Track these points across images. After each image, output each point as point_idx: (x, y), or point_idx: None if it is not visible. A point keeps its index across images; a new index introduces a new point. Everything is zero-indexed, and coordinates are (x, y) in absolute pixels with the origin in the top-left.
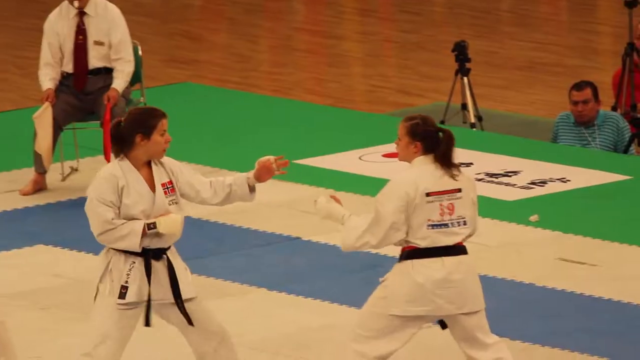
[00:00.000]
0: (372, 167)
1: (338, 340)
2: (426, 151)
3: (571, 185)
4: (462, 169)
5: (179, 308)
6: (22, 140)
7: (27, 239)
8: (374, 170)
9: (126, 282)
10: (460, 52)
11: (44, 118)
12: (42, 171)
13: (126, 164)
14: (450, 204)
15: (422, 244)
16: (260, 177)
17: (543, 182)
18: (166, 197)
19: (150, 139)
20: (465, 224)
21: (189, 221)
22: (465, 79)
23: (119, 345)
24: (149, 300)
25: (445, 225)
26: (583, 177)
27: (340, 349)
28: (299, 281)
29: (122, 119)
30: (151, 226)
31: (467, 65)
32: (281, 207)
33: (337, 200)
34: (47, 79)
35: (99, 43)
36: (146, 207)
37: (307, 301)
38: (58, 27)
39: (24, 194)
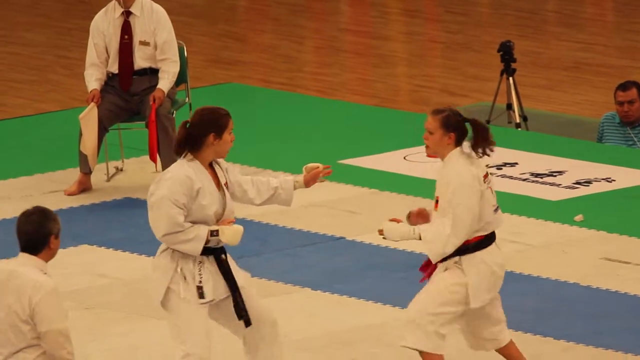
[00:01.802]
0: (417, 167)
1: (381, 340)
2: (458, 141)
3: (616, 185)
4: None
5: (237, 302)
6: (68, 140)
7: (71, 239)
8: (418, 170)
9: (200, 282)
10: (506, 52)
11: (89, 118)
12: (87, 171)
13: (197, 164)
14: (490, 187)
15: (490, 229)
16: (308, 183)
17: (588, 182)
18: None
19: (222, 138)
20: (497, 209)
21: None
22: (511, 79)
23: (208, 341)
24: (235, 297)
25: (497, 207)
26: (628, 177)
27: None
28: (343, 281)
29: (189, 119)
30: (214, 233)
31: (513, 65)
32: (325, 207)
33: (399, 221)
34: (93, 80)
35: (144, 43)
36: (218, 207)
37: (350, 300)
38: (104, 27)
39: (69, 194)
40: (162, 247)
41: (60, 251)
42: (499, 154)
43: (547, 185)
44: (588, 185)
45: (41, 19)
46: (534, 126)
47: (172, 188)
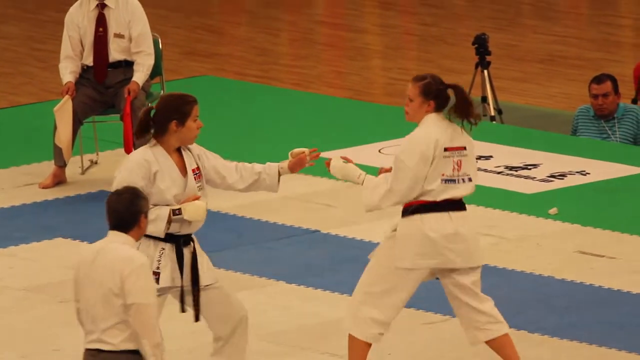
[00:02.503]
0: (392, 160)
1: None
2: (438, 108)
3: (590, 178)
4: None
5: (193, 296)
6: (42, 133)
7: (46, 232)
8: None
9: (157, 267)
10: (481, 45)
11: (64, 111)
12: (62, 164)
13: (159, 149)
14: (459, 160)
15: (434, 197)
16: (293, 168)
17: (562, 175)
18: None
19: (184, 125)
20: (470, 180)
21: (207, 214)
22: (486, 72)
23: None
24: (182, 286)
25: (454, 180)
26: (602, 170)
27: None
28: (318, 274)
29: (153, 105)
30: (177, 212)
31: (488, 58)
32: (300, 200)
33: (350, 161)
34: (68, 72)
35: (119, 36)
36: (178, 192)
37: (325, 294)
38: (79, 19)
39: (44, 187)
40: None
41: (34, 244)
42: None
43: (522, 179)
44: (562, 179)
45: (15, 11)
46: (509, 119)
47: (129, 172)
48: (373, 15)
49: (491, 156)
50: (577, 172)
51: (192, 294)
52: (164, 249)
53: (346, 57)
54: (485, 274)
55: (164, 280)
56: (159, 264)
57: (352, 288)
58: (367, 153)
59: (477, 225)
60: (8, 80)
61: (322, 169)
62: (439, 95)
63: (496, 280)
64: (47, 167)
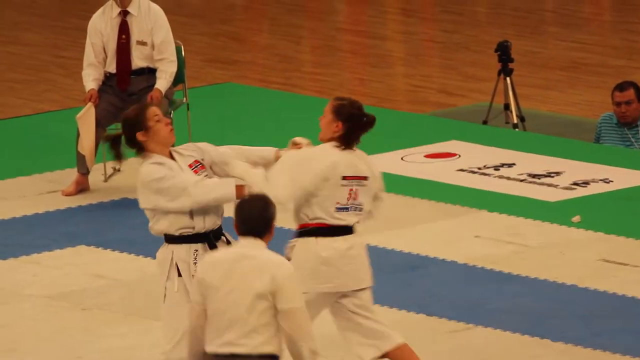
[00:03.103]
0: (414, 167)
1: None
2: (344, 133)
3: (614, 186)
4: (368, 157)
5: None
6: (65, 140)
7: (69, 239)
8: (415, 171)
9: (195, 271)
10: (503, 52)
11: (86, 118)
12: (84, 172)
13: (159, 157)
14: (357, 190)
15: (329, 222)
16: None
17: (586, 183)
18: (198, 175)
19: (149, 129)
20: (361, 210)
21: (227, 221)
22: (508, 79)
23: None
24: None
25: (347, 209)
26: (626, 178)
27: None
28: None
29: (117, 132)
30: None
31: (510, 65)
32: None
33: (299, 146)
34: (90, 80)
35: (141, 43)
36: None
37: None
38: (101, 27)
39: (67, 195)
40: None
41: (58, 252)
42: (497, 154)
43: (545, 186)
44: (586, 186)
45: (38, 18)
46: (532, 126)
47: (156, 172)
48: (395, 23)
49: (514, 164)
50: (601, 180)
51: None
52: (196, 250)
53: (368, 64)
54: (508, 282)
55: None
56: (196, 267)
57: (375, 296)
58: (390, 160)
59: (500, 233)
60: (31, 88)
61: None
62: (349, 120)
63: (519, 289)
64: (70, 175)
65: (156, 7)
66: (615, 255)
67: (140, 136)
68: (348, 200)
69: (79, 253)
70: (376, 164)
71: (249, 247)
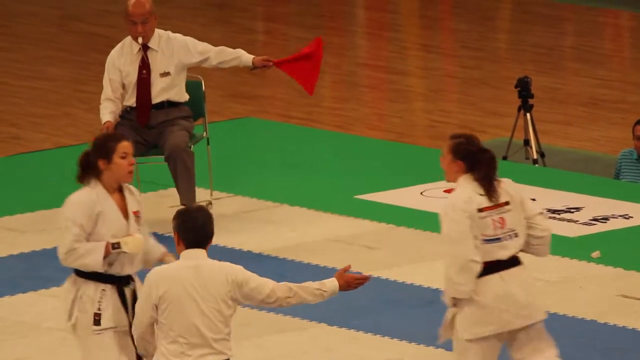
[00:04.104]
0: (434, 202)
1: None
2: (469, 170)
3: (633, 222)
4: (503, 179)
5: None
6: None
7: None
8: (435, 206)
9: (99, 309)
10: (524, 88)
11: None
12: None
13: (100, 189)
14: (501, 217)
15: (484, 258)
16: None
17: (605, 219)
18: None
19: (112, 161)
20: (516, 236)
21: (249, 256)
22: (528, 115)
23: None
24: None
25: (498, 239)
26: None
27: None
28: (360, 316)
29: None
30: (115, 245)
31: (530, 101)
32: (342, 242)
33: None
34: (107, 112)
35: (165, 74)
36: (119, 234)
37: (367, 336)
38: (120, 63)
39: None
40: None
41: None
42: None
43: (565, 222)
44: (605, 222)
45: (60, 53)
46: (552, 162)
47: (75, 209)
48: (415, 58)
49: (534, 199)
50: (620, 216)
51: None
52: (104, 290)
53: (388, 99)
54: None
55: (107, 321)
56: (100, 304)
57: (394, 330)
58: (410, 195)
59: None
60: (52, 122)
61: (363, 210)
62: (467, 156)
63: None
64: None
65: (175, 36)
66: (634, 291)
67: (101, 164)
68: (495, 230)
69: None
70: (395, 199)
71: (200, 258)
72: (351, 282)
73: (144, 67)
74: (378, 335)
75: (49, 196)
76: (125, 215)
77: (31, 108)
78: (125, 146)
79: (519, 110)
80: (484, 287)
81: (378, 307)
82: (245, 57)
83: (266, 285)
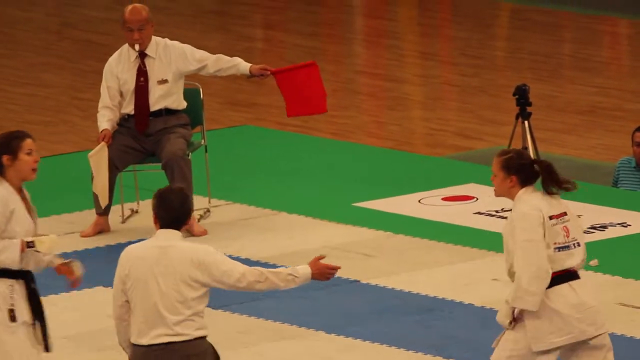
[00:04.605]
0: (432, 210)
1: None
2: (522, 183)
3: (631, 230)
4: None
5: (42, 329)
6: (83, 182)
7: (86, 281)
8: (433, 214)
9: (12, 305)
10: (522, 96)
11: (99, 158)
12: (102, 212)
13: (8, 187)
14: (565, 226)
15: (551, 267)
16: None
17: (603, 227)
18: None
19: (17, 158)
20: (579, 245)
21: (246, 263)
22: (526, 122)
23: None
24: (43, 324)
25: (568, 247)
26: None
27: None
28: (357, 324)
29: None
30: (30, 244)
31: (528, 109)
32: (339, 250)
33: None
34: (105, 120)
35: (162, 82)
36: (25, 232)
37: (365, 344)
38: (118, 70)
39: (85, 236)
40: None
41: (75, 293)
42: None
43: None
44: (603, 230)
45: (57, 60)
46: None
47: (4, 201)
48: (413, 66)
49: None
50: (618, 224)
51: (41, 326)
52: (12, 285)
53: (386, 107)
54: None
55: (20, 315)
56: (12, 299)
57: (392, 338)
58: (407, 203)
59: None
60: (50, 129)
61: (360, 218)
62: (520, 170)
63: None
64: (89, 216)
65: (172, 44)
66: (633, 299)
67: (5, 160)
68: (565, 237)
69: (96, 294)
70: (394, 206)
71: (169, 239)
72: (324, 271)
73: (142, 74)
74: (376, 343)
75: (48, 204)
76: (30, 212)
77: (28, 115)
78: (30, 143)
79: (516, 118)
80: (557, 296)
81: (376, 315)
82: (243, 65)
83: (236, 269)
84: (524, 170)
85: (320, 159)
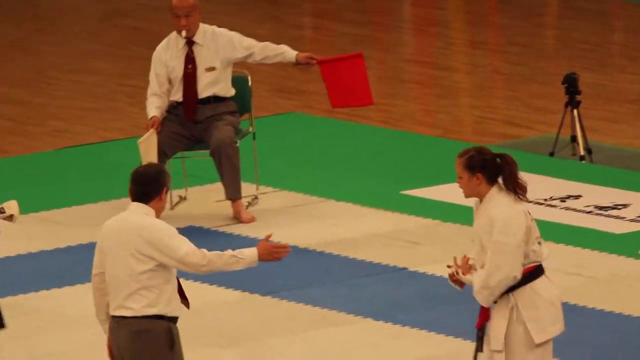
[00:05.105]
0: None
1: None
2: (489, 180)
3: None
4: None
5: None
6: (131, 168)
7: None
8: None
9: None
10: (571, 85)
11: (149, 144)
12: None
13: None
14: (533, 220)
15: (538, 258)
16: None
17: None
18: None
19: None
20: (540, 243)
21: (294, 250)
22: (575, 111)
23: None
24: None
25: (540, 241)
26: None
27: None
28: (405, 312)
29: None
30: (1, 210)
31: (577, 97)
32: (387, 238)
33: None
34: (154, 107)
35: (210, 69)
36: None
37: (413, 332)
38: (166, 57)
39: None
40: None
41: None
42: (563, 186)
43: (612, 218)
44: None
45: (105, 47)
46: (599, 159)
47: None
48: (462, 54)
49: (580, 196)
50: None
51: None
52: None
53: (435, 95)
54: (574, 314)
55: None
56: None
57: (440, 326)
58: (456, 191)
59: (567, 265)
60: (98, 116)
61: (408, 206)
62: (485, 167)
63: (585, 321)
64: None
65: (220, 31)
66: None
67: None
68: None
69: None
70: (442, 194)
71: (132, 213)
72: (271, 251)
73: (189, 61)
74: (423, 331)
75: (96, 189)
76: None
77: (77, 102)
78: None
79: (565, 106)
80: (545, 288)
81: (423, 303)
82: (289, 53)
83: (180, 247)
84: (488, 166)
85: (369, 147)
